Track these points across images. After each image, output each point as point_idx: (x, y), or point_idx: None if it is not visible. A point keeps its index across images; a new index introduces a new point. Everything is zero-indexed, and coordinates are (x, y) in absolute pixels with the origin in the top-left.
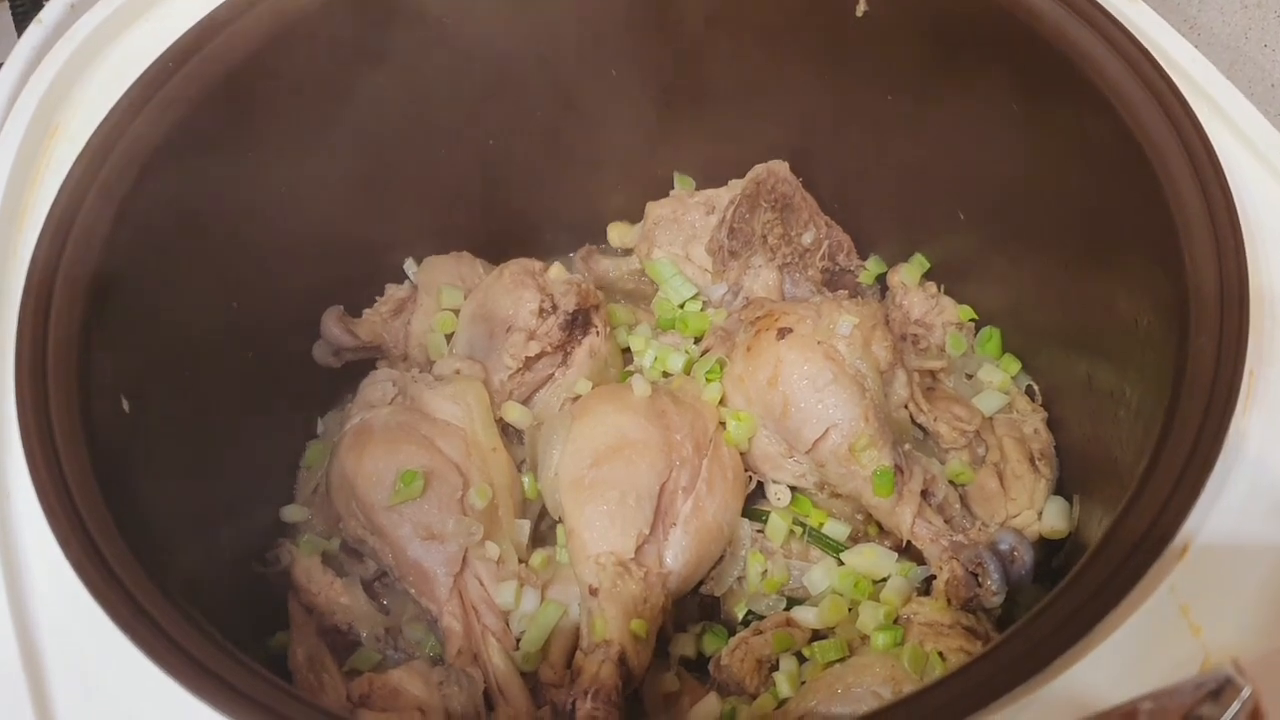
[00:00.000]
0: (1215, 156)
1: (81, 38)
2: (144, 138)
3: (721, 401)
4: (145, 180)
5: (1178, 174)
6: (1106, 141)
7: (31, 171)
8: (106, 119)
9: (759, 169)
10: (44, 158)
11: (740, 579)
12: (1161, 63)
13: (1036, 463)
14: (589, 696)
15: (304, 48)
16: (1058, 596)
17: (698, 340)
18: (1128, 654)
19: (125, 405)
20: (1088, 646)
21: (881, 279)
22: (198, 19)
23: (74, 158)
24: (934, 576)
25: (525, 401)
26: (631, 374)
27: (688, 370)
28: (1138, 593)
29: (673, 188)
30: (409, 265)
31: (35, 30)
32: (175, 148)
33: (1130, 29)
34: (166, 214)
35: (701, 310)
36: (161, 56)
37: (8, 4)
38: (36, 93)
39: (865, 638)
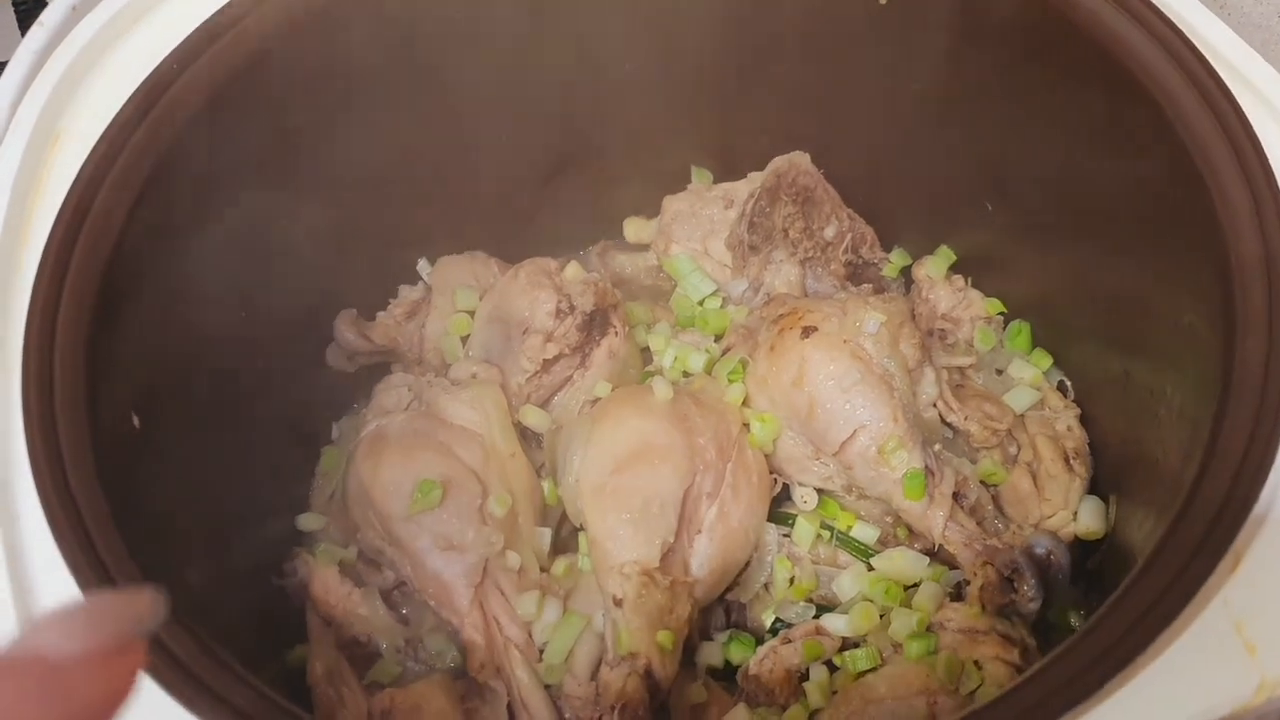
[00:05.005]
0: (1260, 146)
1: (83, 41)
2: (149, 144)
3: (745, 403)
4: (151, 188)
5: (1220, 164)
6: (1142, 129)
7: (36, 181)
8: (111, 125)
9: (779, 161)
10: (48, 166)
11: (767, 585)
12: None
13: (1071, 462)
14: (616, 712)
15: (311, 47)
16: (1104, 616)
17: (718, 338)
18: (1179, 675)
19: (135, 421)
20: (1136, 668)
21: (906, 272)
22: (202, 20)
23: (79, 166)
24: (967, 581)
25: (543, 404)
26: (651, 374)
27: (709, 370)
28: (1189, 609)
29: (689, 181)
30: (422, 266)
31: (37, 33)
32: (181, 153)
33: (1164, 11)
34: (173, 222)
35: (721, 307)
36: (166, 59)
37: (10, 3)
38: (39, 99)
39: (897, 646)
